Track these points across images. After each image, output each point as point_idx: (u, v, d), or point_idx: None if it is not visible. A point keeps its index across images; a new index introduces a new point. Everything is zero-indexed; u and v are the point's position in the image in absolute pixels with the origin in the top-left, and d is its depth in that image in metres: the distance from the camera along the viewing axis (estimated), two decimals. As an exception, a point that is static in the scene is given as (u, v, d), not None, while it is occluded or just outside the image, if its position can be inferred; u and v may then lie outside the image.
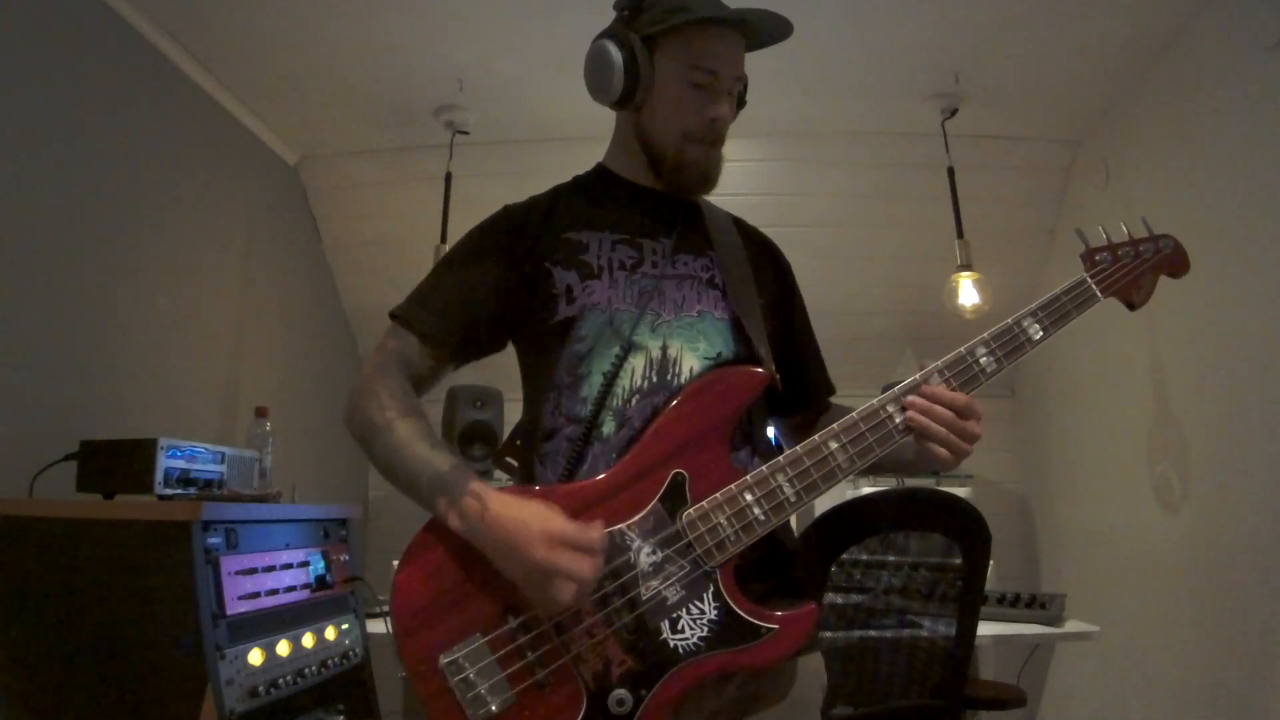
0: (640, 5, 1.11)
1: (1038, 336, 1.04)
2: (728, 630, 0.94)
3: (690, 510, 0.96)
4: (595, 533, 0.90)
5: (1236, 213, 2.17)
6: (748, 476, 0.97)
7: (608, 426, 1.01)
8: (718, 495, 0.96)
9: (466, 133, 2.92)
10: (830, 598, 1.68)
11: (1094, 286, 1.08)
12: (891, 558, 1.73)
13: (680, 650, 0.93)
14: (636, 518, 0.95)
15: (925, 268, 3.08)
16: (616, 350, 1.04)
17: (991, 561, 1.78)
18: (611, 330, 1.05)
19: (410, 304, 1.12)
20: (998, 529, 1.74)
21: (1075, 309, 1.07)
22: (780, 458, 0.99)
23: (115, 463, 1.74)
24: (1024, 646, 2.82)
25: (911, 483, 3.02)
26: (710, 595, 0.94)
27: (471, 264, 1.12)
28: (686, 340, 1.05)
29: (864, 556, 1.71)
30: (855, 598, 1.73)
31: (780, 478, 0.97)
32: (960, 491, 2.37)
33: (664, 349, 1.04)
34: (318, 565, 1.90)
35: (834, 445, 0.99)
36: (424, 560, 0.96)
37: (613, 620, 0.93)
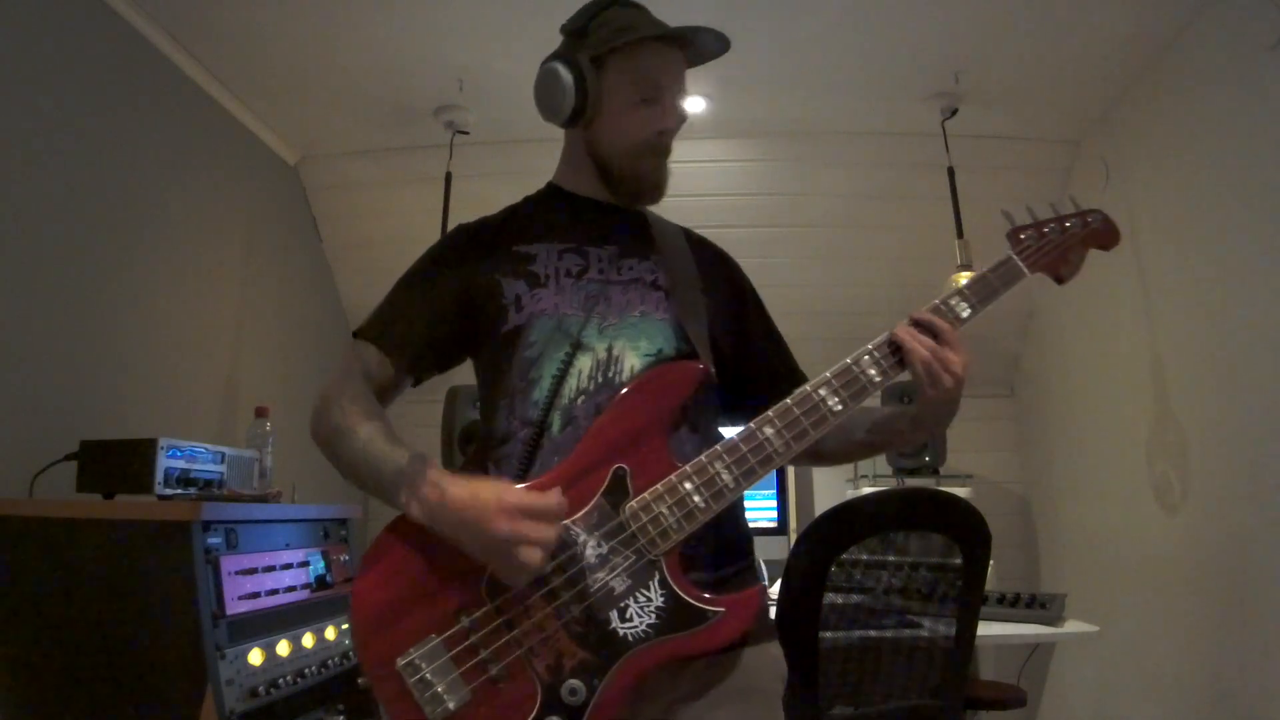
0: (586, 28, 1.16)
1: (965, 314, 1.09)
2: (675, 616, 0.96)
3: (633, 502, 0.98)
4: (553, 498, 0.93)
5: (1236, 212, 2.17)
6: (687, 467, 1.00)
7: (556, 426, 1.05)
8: (659, 486, 0.99)
9: (466, 133, 2.92)
10: (830, 598, 1.67)
11: (1019, 262, 1.13)
12: (891, 558, 1.73)
13: (630, 638, 0.95)
14: (581, 513, 0.98)
15: (925, 268, 3.07)
16: (564, 352, 1.08)
17: (991, 561, 1.78)
18: (560, 334, 1.09)
19: (371, 321, 1.16)
20: (998, 529, 1.74)
21: (1002, 285, 1.11)
22: (718, 446, 1.02)
23: (115, 463, 1.74)
24: (1024, 646, 2.82)
25: (912, 482, 3.03)
26: (657, 583, 0.97)
27: (427, 282, 1.17)
28: (629, 340, 1.09)
29: (864, 556, 1.71)
30: (855, 598, 1.72)
31: (718, 465, 1.00)
32: (960, 491, 2.36)
33: (609, 349, 1.08)
34: (318, 565, 1.90)
35: (769, 431, 1.01)
36: (380, 567, 0.99)
37: (562, 613, 0.96)
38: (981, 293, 1.10)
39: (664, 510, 0.98)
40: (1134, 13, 2.33)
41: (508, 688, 0.94)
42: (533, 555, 0.90)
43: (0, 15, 1.83)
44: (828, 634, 1.68)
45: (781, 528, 3.21)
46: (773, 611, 1.69)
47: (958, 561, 1.72)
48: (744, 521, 1.15)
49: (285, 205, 3.16)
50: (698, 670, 1.01)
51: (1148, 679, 2.60)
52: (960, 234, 2.81)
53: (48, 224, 1.97)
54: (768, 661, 1.08)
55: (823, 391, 1.03)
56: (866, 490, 2.84)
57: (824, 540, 1.65)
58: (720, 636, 0.96)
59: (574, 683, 0.94)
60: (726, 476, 1.00)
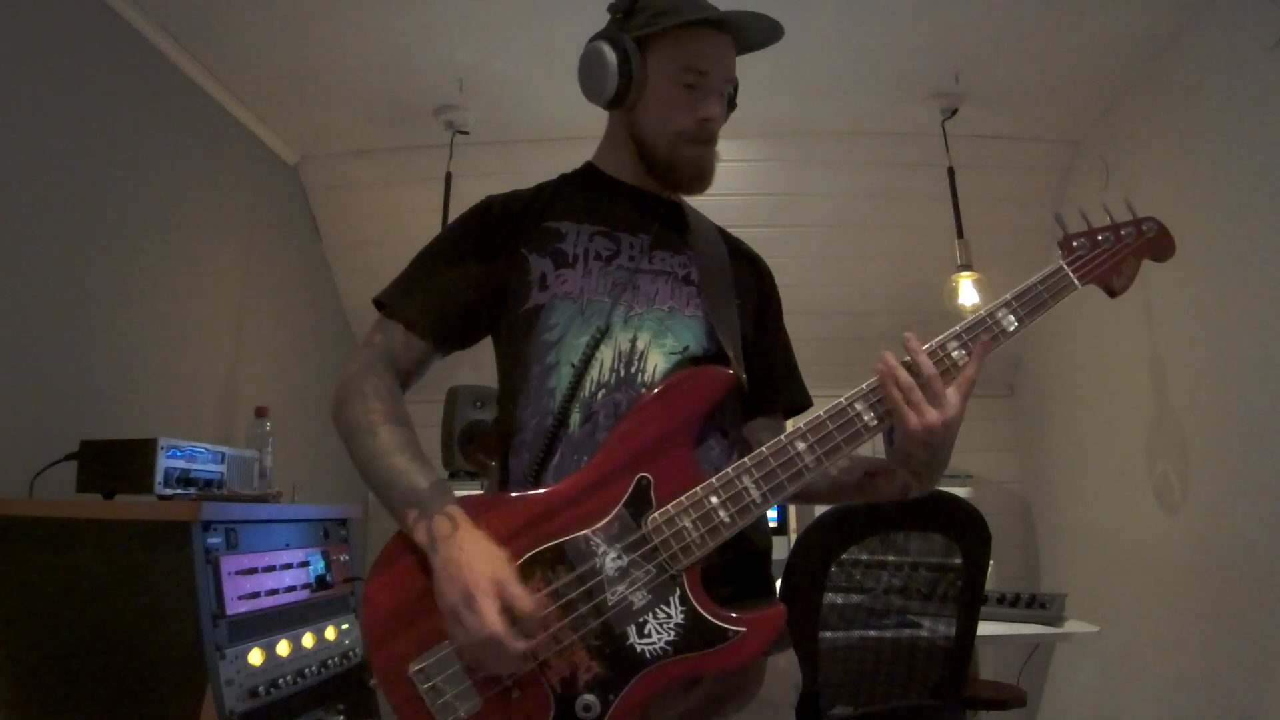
0: (633, 7, 1.12)
1: (1012, 328, 1.00)
2: (695, 633, 0.93)
3: (655, 514, 0.94)
4: (531, 605, 0.89)
5: (1236, 212, 2.17)
6: (713, 479, 0.96)
7: (575, 421, 1.01)
8: (683, 499, 0.95)
9: (466, 133, 2.92)
10: (830, 598, 1.68)
11: (1070, 274, 1.04)
12: (891, 558, 1.73)
13: (647, 655, 0.92)
14: (602, 523, 0.95)
15: (925, 268, 3.08)
16: (586, 340, 1.04)
17: (991, 561, 1.78)
18: (582, 320, 1.05)
19: (394, 292, 1.13)
20: (998, 529, 1.74)
21: (1051, 298, 1.02)
22: (746, 459, 0.97)
23: (115, 463, 1.73)
24: (1024, 646, 2.82)
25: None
26: (677, 599, 0.93)
27: (452, 254, 1.14)
28: (655, 334, 1.05)
29: (864, 556, 1.71)
30: (855, 598, 1.72)
31: (746, 479, 0.96)
32: (960, 491, 2.36)
33: (633, 341, 1.04)
34: (318, 565, 1.90)
35: (801, 445, 0.97)
36: (394, 571, 0.97)
37: (579, 626, 0.92)
38: (1030, 305, 1.01)
39: (688, 524, 0.94)
40: (1134, 13, 2.33)
41: (521, 699, 0.92)
42: (476, 626, 0.87)
43: (0, 15, 1.83)
44: (828, 634, 1.68)
45: (781, 528, 3.21)
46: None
47: (958, 561, 1.73)
48: (766, 533, 1.12)
49: (285, 205, 3.16)
50: (711, 682, 0.99)
51: (1148, 679, 2.60)
52: (960, 234, 2.81)
53: (48, 224, 1.97)
54: (780, 671, 1.06)
55: (859, 405, 0.98)
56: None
57: (824, 540, 1.65)
58: (740, 656, 0.93)
59: (589, 698, 0.91)
60: (754, 492, 0.95)
